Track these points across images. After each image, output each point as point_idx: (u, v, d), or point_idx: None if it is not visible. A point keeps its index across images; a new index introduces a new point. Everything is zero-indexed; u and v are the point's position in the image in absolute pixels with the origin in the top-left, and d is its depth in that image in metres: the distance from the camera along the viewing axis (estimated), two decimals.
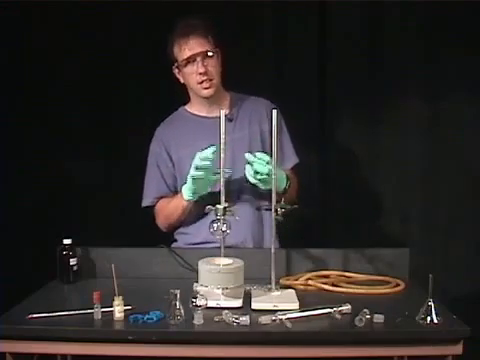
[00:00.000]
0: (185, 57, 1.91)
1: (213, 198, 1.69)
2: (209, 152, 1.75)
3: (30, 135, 2.50)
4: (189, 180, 1.83)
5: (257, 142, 1.99)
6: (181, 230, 2.05)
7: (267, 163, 1.74)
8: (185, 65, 1.92)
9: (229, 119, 1.98)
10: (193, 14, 1.97)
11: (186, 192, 1.87)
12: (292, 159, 2.07)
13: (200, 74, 1.90)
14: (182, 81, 1.99)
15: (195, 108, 2.05)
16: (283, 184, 1.85)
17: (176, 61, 1.95)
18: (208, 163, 1.76)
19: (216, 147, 1.72)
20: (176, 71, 1.98)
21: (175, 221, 2.02)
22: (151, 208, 2.07)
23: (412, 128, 2.60)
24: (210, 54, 1.91)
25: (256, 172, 1.75)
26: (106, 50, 2.50)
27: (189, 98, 2.06)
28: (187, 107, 2.08)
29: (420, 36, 2.54)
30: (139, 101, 2.53)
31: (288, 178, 1.88)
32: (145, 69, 2.50)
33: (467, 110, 2.56)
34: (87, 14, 2.43)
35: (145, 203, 2.05)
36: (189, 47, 1.90)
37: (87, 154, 2.56)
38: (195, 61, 1.90)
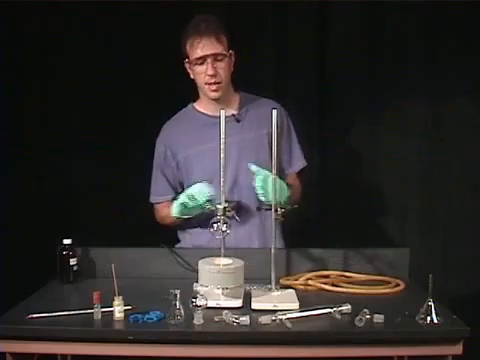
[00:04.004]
0: (196, 57, 1.89)
1: (206, 215, 1.74)
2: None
3: (30, 135, 2.51)
4: (178, 203, 1.87)
5: (264, 144, 1.96)
6: (186, 231, 2.06)
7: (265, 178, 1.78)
8: (195, 64, 1.91)
9: (237, 120, 1.98)
10: (196, 14, 1.96)
11: (175, 210, 1.90)
12: (300, 162, 2.08)
13: (209, 76, 1.89)
14: (192, 77, 1.98)
15: (203, 106, 2.03)
16: (284, 196, 1.81)
17: (188, 57, 1.93)
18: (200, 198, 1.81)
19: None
20: (187, 66, 1.96)
21: (169, 224, 2.05)
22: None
23: (412, 128, 2.59)
24: (220, 57, 1.89)
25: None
26: (106, 50, 2.50)
27: (198, 95, 2.04)
28: (196, 104, 2.06)
29: (420, 36, 2.54)
30: (139, 101, 2.53)
31: (288, 186, 1.87)
32: (145, 69, 2.50)
33: (467, 110, 2.56)
34: (87, 14, 2.43)
35: (150, 200, 2.09)
36: (201, 47, 1.87)
37: (87, 154, 2.55)
38: (205, 62, 1.89)
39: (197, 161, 1.98)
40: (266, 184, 1.78)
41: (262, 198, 1.80)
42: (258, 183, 1.79)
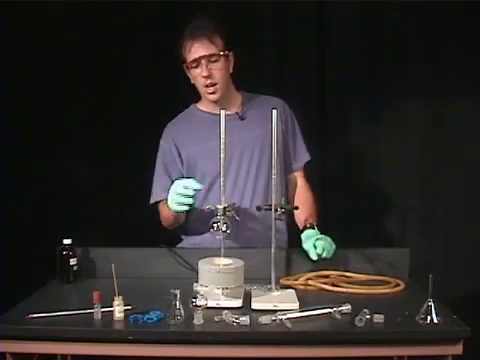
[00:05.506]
0: (190, 60, 1.90)
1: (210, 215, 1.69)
2: (190, 183, 1.74)
3: (30, 135, 2.51)
4: (169, 198, 1.81)
5: (269, 142, 1.95)
6: (189, 235, 2.06)
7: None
8: (191, 67, 1.92)
9: (241, 118, 1.99)
10: (196, 14, 1.96)
11: (170, 205, 1.82)
12: (304, 157, 2.10)
13: (204, 77, 1.90)
14: (192, 81, 1.98)
15: (205, 106, 2.03)
16: (333, 250, 1.85)
17: (185, 61, 1.94)
18: (189, 193, 1.75)
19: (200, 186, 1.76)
20: (186, 70, 1.96)
21: (172, 225, 2.02)
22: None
23: (412, 128, 2.60)
24: (214, 58, 1.89)
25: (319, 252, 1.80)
26: (106, 50, 2.50)
27: (200, 96, 2.04)
28: (198, 105, 2.07)
29: (420, 36, 2.54)
30: (139, 101, 2.53)
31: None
32: (145, 69, 2.50)
33: (467, 110, 2.56)
34: (87, 14, 2.43)
35: (152, 200, 2.03)
36: (194, 50, 1.89)
37: (87, 154, 2.56)
38: (200, 64, 1.89)
39: (201, 158, 1.97)
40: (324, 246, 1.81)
41: (315, 257, 1.82)
42: (313, 244, 1.82)
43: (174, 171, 2.01)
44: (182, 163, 2.01)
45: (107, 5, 2.38)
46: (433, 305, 1.46)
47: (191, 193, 1.74)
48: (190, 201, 1.76)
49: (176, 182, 1.79)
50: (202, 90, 1.96)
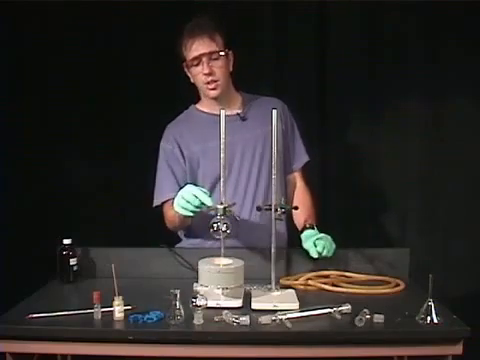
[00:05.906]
0: (191, 57, 1.90)
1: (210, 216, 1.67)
2: (201, 195, 1.65)
3: (30, 135, 2.51)
4: (176, 200, 1.73)
5: (269, 141, 1.95)
6: (190, 236, 2.05)
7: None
8: (192, 65, 1.92)
9: (242, 118, 1.98)
10: (196, 14, 1.96)
11: (175, 206, 1.74)
12: (303, 158, 2.10)
13: (205, 75, 1.89)
14: (192, 80, 1.97)
15: (205, 106, 2.02)
16: (333, 249, 1.86)
17: (185, 60, 1.94)
18: (196, 200, 1.67)
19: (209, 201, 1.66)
20: (186, 69, 1.96)
21: (178, 227, 2.00)
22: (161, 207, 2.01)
23: (412, 128, 2.60)
24: (215, 56, 1.89)
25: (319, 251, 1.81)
26: (106, 50, 2.50)
27: (199, 97, 2.04)
28: (198, 105, 2.06)
29: (420, 36, 2.54)
30: (139, 101, 2.53)
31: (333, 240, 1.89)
32: (145, 69, 2.50)
33: (467, 110, 2.56)
34: (87, 14, 2.43)
35: (156, 203, 1.98)
36: (194, 48, 1.89)
37: (87, 154, 2.56)
38: (201, 62, 1.89)
39: (202, 159, 1.97)
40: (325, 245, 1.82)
41: (315, 255, 1.82)
42: (313, 243, 1.83)
43: (179, 171, 1.98)
44: (185, 162, 1.99)
45: (107, 5, 2.38)
46: (433, 305, 1.46)
47: (198, 204, 1.66)
48: (195, 210, 1.68)
49: (189, 187, 1.70)
50: (203, 87, 1.95)
